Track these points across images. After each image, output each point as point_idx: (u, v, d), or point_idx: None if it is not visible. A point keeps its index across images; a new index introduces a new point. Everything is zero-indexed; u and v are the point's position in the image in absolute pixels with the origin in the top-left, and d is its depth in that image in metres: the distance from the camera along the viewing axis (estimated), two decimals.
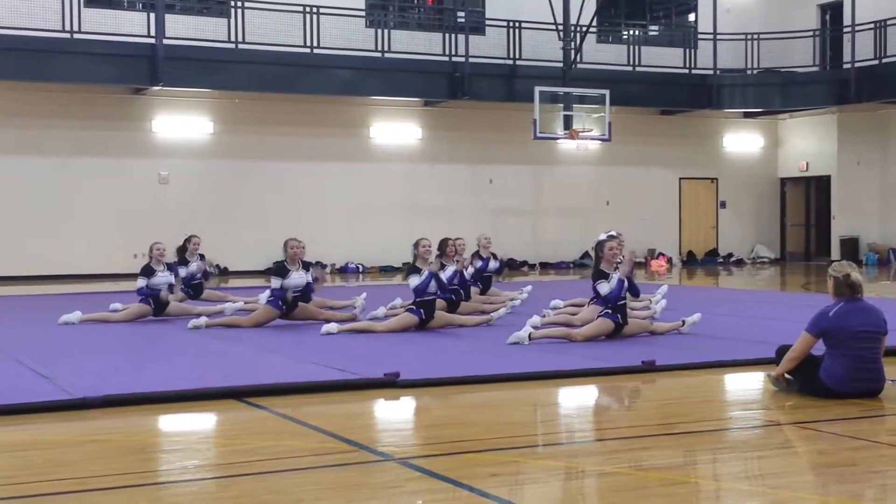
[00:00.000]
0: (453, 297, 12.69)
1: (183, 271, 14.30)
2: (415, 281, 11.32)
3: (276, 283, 12.09)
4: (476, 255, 14.68)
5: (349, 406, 7.44)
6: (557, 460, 5.77)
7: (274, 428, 6.71)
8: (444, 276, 11.96)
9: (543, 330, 10.70)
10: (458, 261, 12.96)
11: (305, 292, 12.34)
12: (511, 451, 5.85)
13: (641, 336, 10.79)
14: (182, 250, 14.66)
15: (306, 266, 12.57)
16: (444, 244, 12.98)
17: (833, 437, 6.27)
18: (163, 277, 12.86)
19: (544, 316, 11.83)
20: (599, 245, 11.08)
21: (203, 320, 11.97)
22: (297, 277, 12.15)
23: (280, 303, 12.09)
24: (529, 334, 10.19)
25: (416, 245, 11.61)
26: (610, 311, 10.56)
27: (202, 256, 14.96)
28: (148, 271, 12.82)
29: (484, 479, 5.21)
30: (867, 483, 5.27)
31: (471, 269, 13.85)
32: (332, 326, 11.21)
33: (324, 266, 23.26)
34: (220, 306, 13.31)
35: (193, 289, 14.67)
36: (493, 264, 14.83)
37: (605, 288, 10.61)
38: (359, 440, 6.11)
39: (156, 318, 12.83)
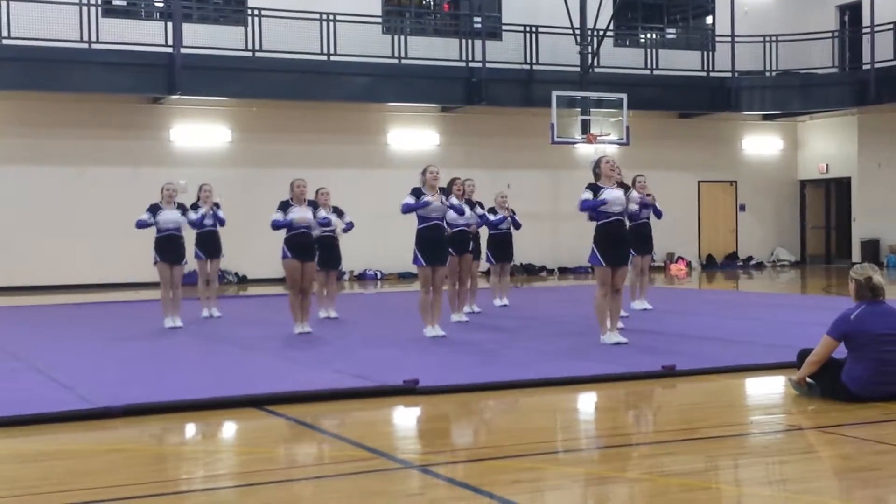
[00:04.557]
0: (451, 250, 12.44)
1: (193, 215, 14.01)
2: (409, 200, 11.38)
3: (277, 214, 12.06)
4: (491, 210, 14.74)
5: (369, 413, 7.44)
6: (578, 466, 5.75)
7: (294, 436, 6.71)
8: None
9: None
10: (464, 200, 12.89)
11: (316, 244, 12.37)
12: (532, 457, 5.83)
13: (658, 339, 10.74)
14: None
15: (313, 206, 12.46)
16: (451, 183, 12.95)
17: (856, 441, 6.22)
18: (169, 215, 12.91)
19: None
20: (596, 163, 10.87)
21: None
22: (300, 212, 12.11)
23: (290, 253, 12.02)
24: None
25: (423, 172, 11.58)
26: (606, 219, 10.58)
27: (217, 205, 14.67)
28: (154, 208, 12.95)
29: (505, 486, 5.20)
30: (891, 488, 5.22)
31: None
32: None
33: (343, 273, 23.24)
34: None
35: (204, 241, 14.47)
36: (498, 218, 14.78)
37: (587, 195, 10.59)
38: (379, 447, 6.10)
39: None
